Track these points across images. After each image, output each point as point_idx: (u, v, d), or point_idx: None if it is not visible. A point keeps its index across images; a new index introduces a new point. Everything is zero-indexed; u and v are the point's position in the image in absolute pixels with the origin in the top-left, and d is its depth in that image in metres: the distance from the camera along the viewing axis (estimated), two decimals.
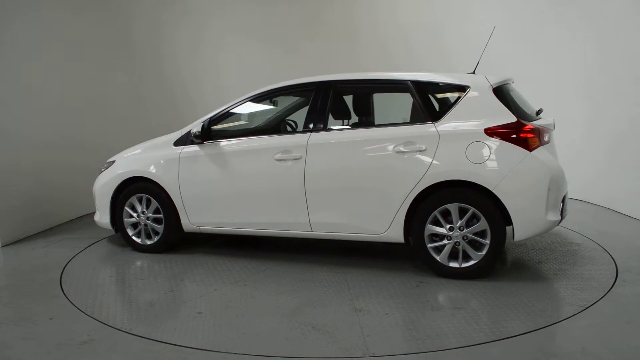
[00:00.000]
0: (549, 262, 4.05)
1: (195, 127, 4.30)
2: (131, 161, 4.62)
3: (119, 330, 3.02)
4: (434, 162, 3.64)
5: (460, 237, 3.63)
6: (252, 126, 4.86)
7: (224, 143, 4.25)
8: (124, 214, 4.59)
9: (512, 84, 4.16)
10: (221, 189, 4.23)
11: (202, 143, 4.28)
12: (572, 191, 4.21)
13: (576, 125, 6.03)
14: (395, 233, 3.81)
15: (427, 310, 3.23)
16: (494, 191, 3.51)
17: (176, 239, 4.57)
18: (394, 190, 3.75)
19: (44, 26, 5.53)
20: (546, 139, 3.76)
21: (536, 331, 2.88)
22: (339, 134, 4.00)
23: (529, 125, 3.61)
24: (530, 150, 3.55)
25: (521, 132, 3.56)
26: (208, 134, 4.26)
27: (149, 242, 4.55)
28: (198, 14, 7.57)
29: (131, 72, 7.05)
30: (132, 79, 7.03)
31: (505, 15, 6.63)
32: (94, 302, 3.45)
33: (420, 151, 3.69)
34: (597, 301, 3.27)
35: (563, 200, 3.78)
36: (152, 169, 4.43)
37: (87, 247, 4.80)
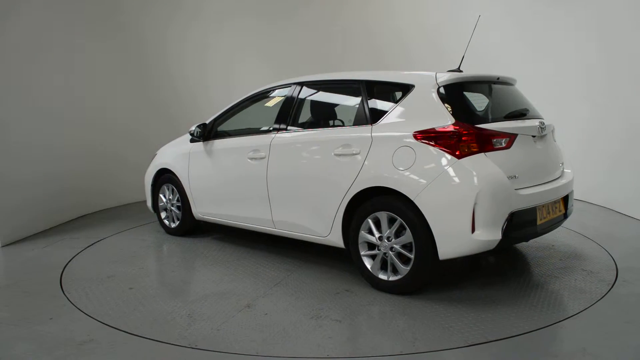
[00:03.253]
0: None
1: (193, 127, 4.79)
2: (163, 154, 5.28)
3: (119, 330, 3.02)
4: (364, 167, 3.46)
5: (388, 248, 3.40)
6: (240, 127, 4.97)
7: (217, 142, 4.67)
8: (159, 200, 5.30)
9: (498, 82, 3.71)
10: (213, 183, 4.66)
11: (204, 141, 4.75)
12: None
13: (576, 126, 6.04)
14: (335, 237, 3.72)
15: (306, 318, 3.10)
16: (414, 201, 3.20)
17: (191, 225, 5.09)
18: (332, 194, 3.65)
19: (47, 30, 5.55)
20: (502, 144, 3.27)
21: (536, 331, 2.87)
22: (294, 136, 4.02)
23: (463, 130, 3.18)
24: (461, 157, 3.13)
25: (450, 137, 3.17)
26: (202, 134, 4.73)
27: (173, 226, 5.20)
28: (210, 18, 7.59)
29: (146, 75, 7.09)
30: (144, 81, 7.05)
31: (525, 15, 6.65)
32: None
33: (354, 155, 3.54)
34: (597, 301, 3.27)
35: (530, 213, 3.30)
36: (173, 162, 5.06)
37: (87, 247, 4.80)
